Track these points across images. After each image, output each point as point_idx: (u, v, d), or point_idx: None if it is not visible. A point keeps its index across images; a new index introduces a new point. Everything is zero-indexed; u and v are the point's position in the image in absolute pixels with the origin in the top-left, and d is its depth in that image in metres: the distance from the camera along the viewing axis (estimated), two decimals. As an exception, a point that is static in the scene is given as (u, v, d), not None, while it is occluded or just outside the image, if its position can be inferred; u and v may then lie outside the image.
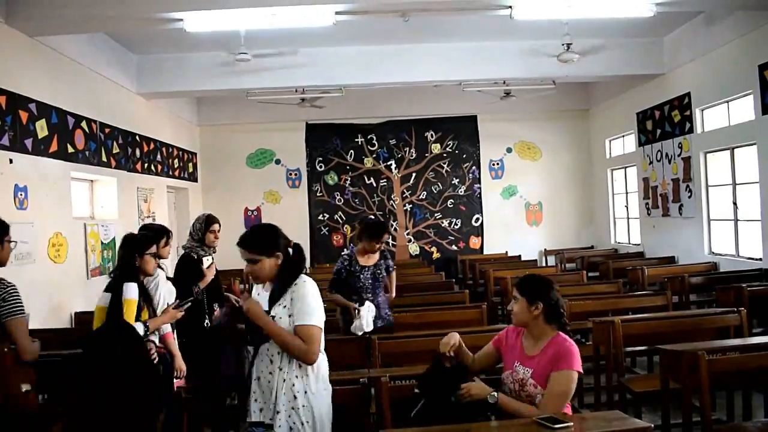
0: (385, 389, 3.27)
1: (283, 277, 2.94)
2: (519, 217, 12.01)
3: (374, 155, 11.80)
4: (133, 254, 3.84)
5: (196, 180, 11.35)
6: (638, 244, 10.33)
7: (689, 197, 8.50)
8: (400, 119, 11.73)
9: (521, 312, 3.07)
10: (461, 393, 2.91)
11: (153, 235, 4.43)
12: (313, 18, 6.53)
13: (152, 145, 9.18)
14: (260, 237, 3.02)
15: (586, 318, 5.55)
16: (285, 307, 2.86)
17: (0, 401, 3.17)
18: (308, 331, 2.80)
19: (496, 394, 2.90)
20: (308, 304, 2.85)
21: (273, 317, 2.85)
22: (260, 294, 3.04)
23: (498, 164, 11.98)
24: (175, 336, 4.27)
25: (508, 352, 3.18)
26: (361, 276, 5.27)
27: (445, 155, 11.87)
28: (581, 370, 2.95)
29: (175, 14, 6.20)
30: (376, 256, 5.37)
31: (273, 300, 2.91)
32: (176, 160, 10.29)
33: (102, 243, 7.34)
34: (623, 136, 10.86)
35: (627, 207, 10.96)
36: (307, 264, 7.73)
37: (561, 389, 2.87)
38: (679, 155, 8.71)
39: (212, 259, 5.28)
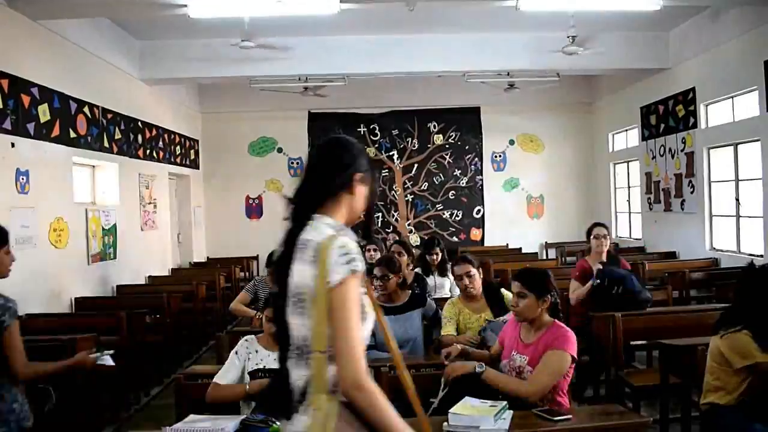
0: (384, 379, 3.28)
1: None
2: (520, 209, 12.00)
3: (376, 145, 11.77)
4: None
5: (197, 167, 11.33)
6: (639, 239, 10.33)
7: (691, 193, 8.49)
8: (403, 109, 11.69)
9: (530, 309, 3.08)
10: (447, 373, 2.99)
11: None
12: (318, 6, 6.51)
13: (154, 132, 9.16)
14: None
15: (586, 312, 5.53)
16: None
17: None
18: None
19: (483, 365, 2.97)
20: None
21: None
22: (258, 354, 3.17)
23: (500, 156, 11.95)
24: None
25: (506, 342, 3.22)
26: None
27: (447, 146, 11.84)
28: (576, 356, 2.99)
29: (179, 0, 6.17)
30: None
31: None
32: (178, 147, 10.27)
33: (103, 229, 7.34)
34: (626, 130, 10.83)
35: (629, 201, 10.94)
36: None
37: (551, 367, 2.92)
38: (682, 150, 8.68)
39: None
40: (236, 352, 3.18)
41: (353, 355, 1.67)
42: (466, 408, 2.64)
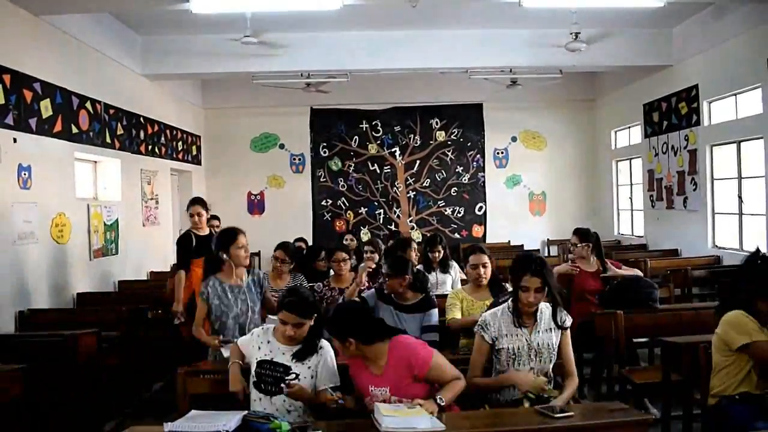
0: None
1: (311, 340, 3.15)
2: (522, 206, 11.98)
3: (378, 142, 11.76)
4: None
5: (199, 163, 11.33)
6: (641, 236, 10.31)
7: (694, 190, 8.47)
8: (406, 106, 11.67)
9: (344, 350, 3.05)
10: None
11: None
12: (320, 2, 6.50)
13: (156, 127, 9.15)
14: (307, 302, 3.16)
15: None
16: (309, 367, 3.11)
17: None
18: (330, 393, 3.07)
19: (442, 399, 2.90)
20: (335, 367, 3.16)
21: (297, 375, 3.04)
22: (269, 345, 3.18)
23: (502, 153, 11.93)
24: None
25: (357, 376, 3.11)
26: None
27: (449, 143, 11.82)
28: (430, 347, 3.08)
29: (181, -5, 6.17)
30: None
31: (299, 358, 3.11)
32: (180, 143, 10.26)
33: (105, 224, 7.35)
34: (629, 128, 10.80)
35: (631, 199, 10.92)
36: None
37: (446, 367, 3.02)
38: (685, 148, 8.66)
39: None
40: (253, 333, 3.30)
41: None
42: (389, 411, 2.64)
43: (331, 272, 5.44)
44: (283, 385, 2.96)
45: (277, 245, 5.43)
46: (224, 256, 4.16)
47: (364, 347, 3.00)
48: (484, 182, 11.86)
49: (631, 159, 10.84)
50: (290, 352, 3.12)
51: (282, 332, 3.11)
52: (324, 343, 3.22)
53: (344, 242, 7.89)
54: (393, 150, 11.78)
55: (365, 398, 3.01)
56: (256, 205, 11.75)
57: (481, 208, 11.87)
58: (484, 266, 4.35)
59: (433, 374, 2.98)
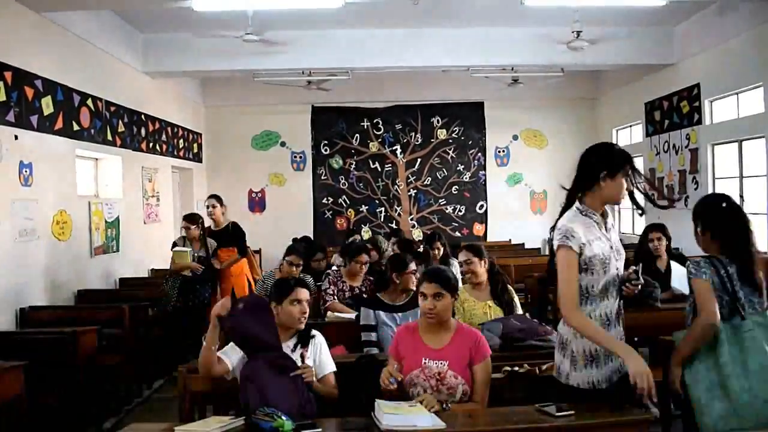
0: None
1: (307, 328, 3.20)
2: (523, 205, 11.98)
3: (380, 140, 11.76)
4: None
5: (200, 161, 11.33)
6: (642, 235, 10.30)
7: (695, 189, 8.46)
8: (407, 104, 11.68)
9: (447, 309, 3.01)
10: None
11: None
12: (322, -1, 6.49)
13: (157, 125, 9.15)
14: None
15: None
16: (309, 357, 3.12)
17: None
18: (333, 377, 3.18)
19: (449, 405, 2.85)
20: (329, 353, 3.23)
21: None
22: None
23: (504, 151, 11.93)
24: None
25: (409, 353, 3.03)
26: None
27: (450, 141, 11.82)
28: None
29: (183, -7, 6.17)
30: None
31: (302, 345, 3.14)
32: (181, 140, 10.26)
33: (106, 221, 7.35)
34: (630, 126, 10.80)
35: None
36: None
37: (489, 377, 3.00)
38: (686, 147, 8.66)
39: None
40: None
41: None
42: (390, 408, 2.62)
43: (336, 268, 5.42)
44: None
45: (288, 249, 5.42)
46: None
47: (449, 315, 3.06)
48: (485, 180, 11.86)
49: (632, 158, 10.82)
50: (288, 348, 3.12)
51: (299, 312, 3.13)
52: (315, 332, 3.24)
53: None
54: (394, 148, 11.78)
55: (410, 371, 2.95)
56: (257, 203, 11.75)
57: (482, 206, 11.87)
58: (468, 263, 4.25)
59: (480, 371, 2.96)
